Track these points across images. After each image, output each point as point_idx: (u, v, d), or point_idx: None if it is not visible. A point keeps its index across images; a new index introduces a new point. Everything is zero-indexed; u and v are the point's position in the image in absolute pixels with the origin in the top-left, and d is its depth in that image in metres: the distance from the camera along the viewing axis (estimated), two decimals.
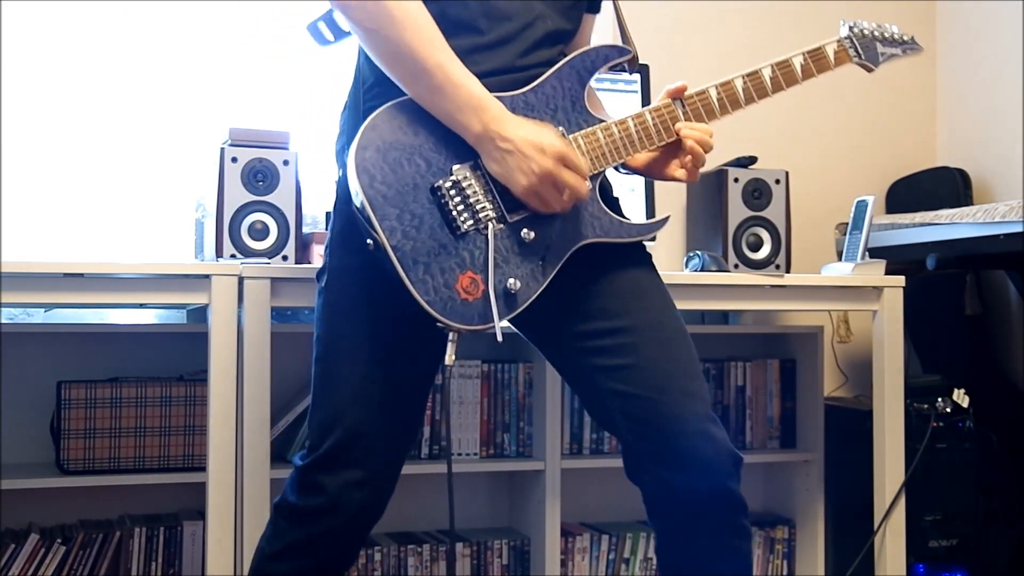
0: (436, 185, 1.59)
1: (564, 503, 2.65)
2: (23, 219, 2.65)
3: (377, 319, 1.66)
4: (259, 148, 2.35)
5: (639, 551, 2.83)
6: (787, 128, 3.26)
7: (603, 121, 1.69)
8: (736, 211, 2.75)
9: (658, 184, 2.86)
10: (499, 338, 1.58)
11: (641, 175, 1.82)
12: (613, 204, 1.74)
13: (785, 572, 2.98)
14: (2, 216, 2.60)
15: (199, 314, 2.62)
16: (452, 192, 1.60)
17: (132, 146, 2.76)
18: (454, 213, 1.59)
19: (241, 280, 2.18)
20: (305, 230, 2.44)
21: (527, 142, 1.57)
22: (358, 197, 1.56)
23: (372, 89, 1.68)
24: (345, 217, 1.68)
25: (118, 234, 2.73)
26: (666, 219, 1.75)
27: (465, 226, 1.59)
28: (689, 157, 1.72)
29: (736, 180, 2.76)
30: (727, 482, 1.61)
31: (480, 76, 1.61)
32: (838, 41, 1.84)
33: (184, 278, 2.18)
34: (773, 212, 2.77)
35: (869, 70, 1.89)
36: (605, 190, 1.73)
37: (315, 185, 2.62)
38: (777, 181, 2.79)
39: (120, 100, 2.75)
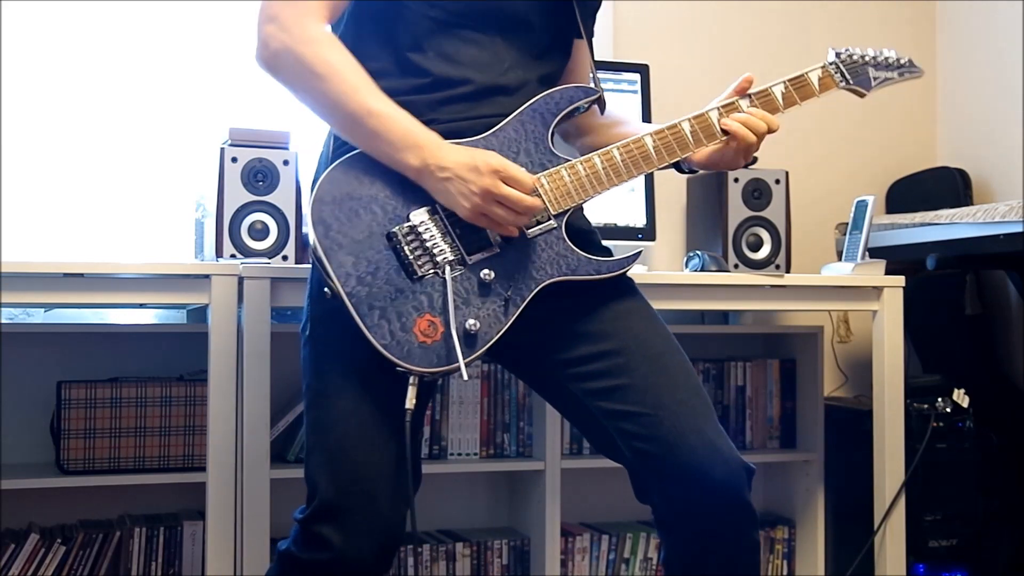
0: (392, 232, 1.60)
1: (564, 503, 2.65)
2: (23, 219, 2.65)
3: (361, 362, 1.63)
4: (259, 148, 2.35)
5: (639, 551, 2.83)
6: (787, 128, 3.23)
7: (568, 160, 1.68)
8: (736, 211, 2.75)
9: (658, 185, 2.86)
10: (464, 378, 1.57)
11: (710, 169, 1.80)
12: (586, 239, 1.72)
13: (785, 572, 2.98)
14: (2, 216, 2.60)
15: (199, 314, 2.62)
16: (409, 238, 1.60)
17: (132, 146, 2.76)
18: (411, 258, 1.60)
19: (241, 280, 2.18)
20: (305, 230, 2.44)
21: (462, 165, 1.58)
22: (315, 250, 1.58)
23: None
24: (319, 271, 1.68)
25: (118, 234, 2.73)
26: (637, 254, 1.71)
27: (422, 271, 1.60)
28: (734, 142, 1.72)
29: (736, 180, 2.76)
30: (740, 495, 1.59)
31: (446, 122, 1.63)
32: (823, 67, 1.82)
33: (184, 278, 2.18)
34: (773, 212, 2.77)
35: (860, 95, 1.86)
36: (577, 228, 1.71)
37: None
38: (777, 181, 2.79)
39: (120, 100, 2.75)
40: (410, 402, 1.57)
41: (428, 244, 1.61)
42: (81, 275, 2.11)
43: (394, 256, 1.60)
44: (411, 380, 1.58)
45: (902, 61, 1.89)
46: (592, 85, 1.77)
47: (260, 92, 2.82)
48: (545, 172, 1.67)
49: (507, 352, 1.70)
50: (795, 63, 1.89)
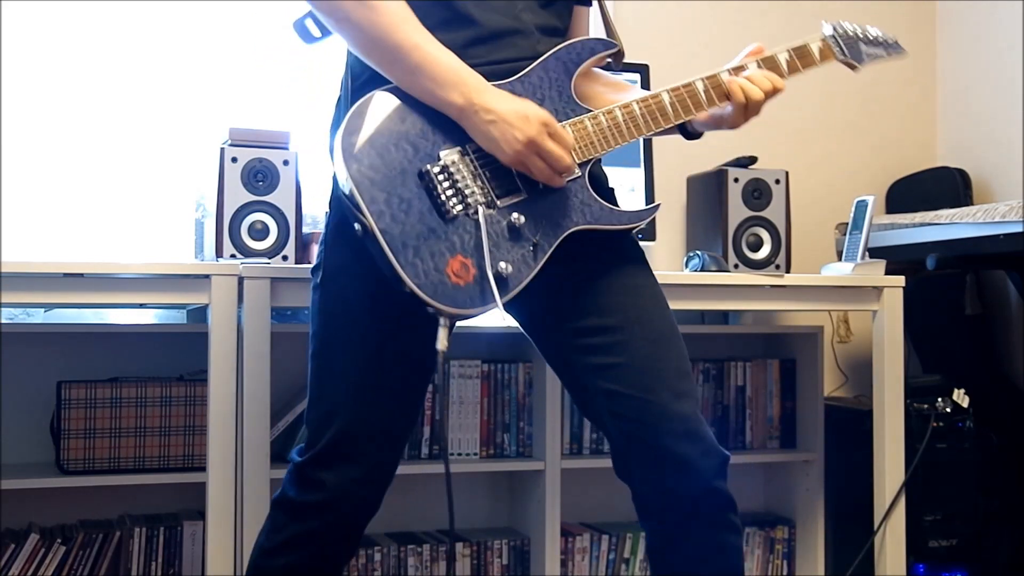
0: (424, 170, 1.59)
1: (564, 503, 2.65)
2: (23, 219, 2.65)
3: (372, 314, 1.66)
4: (259, 148, 2.36)
5: (639, 551, 2.83)
6: (787, 128, 3.26)
7: (591, 111, 1.69)
8: (736, 211, 2.75)
9: (658, 184, 2.86)
10: (502, 316, 1.57)
11: (714, 128, 1.80)
12: (607, 193, 1.74)
13: (785, 572, 2.98)
14: (2, 216, 2.60)
15: (199, 314, 2.62)
16: (440, 177, 1.59)
17: (132, 146, 2.75)
18: (443, 198, 1.58)
19: (241, 280, 2.18)
20: (305, 230, 2.44)
21: (511, 111, 1.58)
22: (346, 183, 1.56)
23: (362, 83, 1.68)
24: (340, 211, 1.68)
25: (118, 234, 2.73)
26: (656, 206, 1.74)
27: (455, 211, 1.59)
28: (739, 99, 1.72)
29: (736, 180, 2.76)
30: (714, 482, 1.61)
31: (475, 65, 1.62)
32: (822, 39, 1.85)
33: (184, 278, 2.18)
34: (773, 212, 2.78)
35: (854, 68, 1.89)
36: (598, 179, 1.73)
37: (315, 185, 2.62)
38: (777, 181, 2.79)
39: (120, 100, 2.75)
40: (442, 343, 1.56)
41: (460, 185, 1.60)
42: (81, 275, 2.11)
43: (426, 195, 1.58)
44: (442, 322, 1.56)
45: (888, 40, 1.92)
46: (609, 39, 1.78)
47: (260, 92, 2.82)
48: (569, 121, 1.67)
49: (523, 311, 1.71)
50: None
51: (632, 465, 1.64)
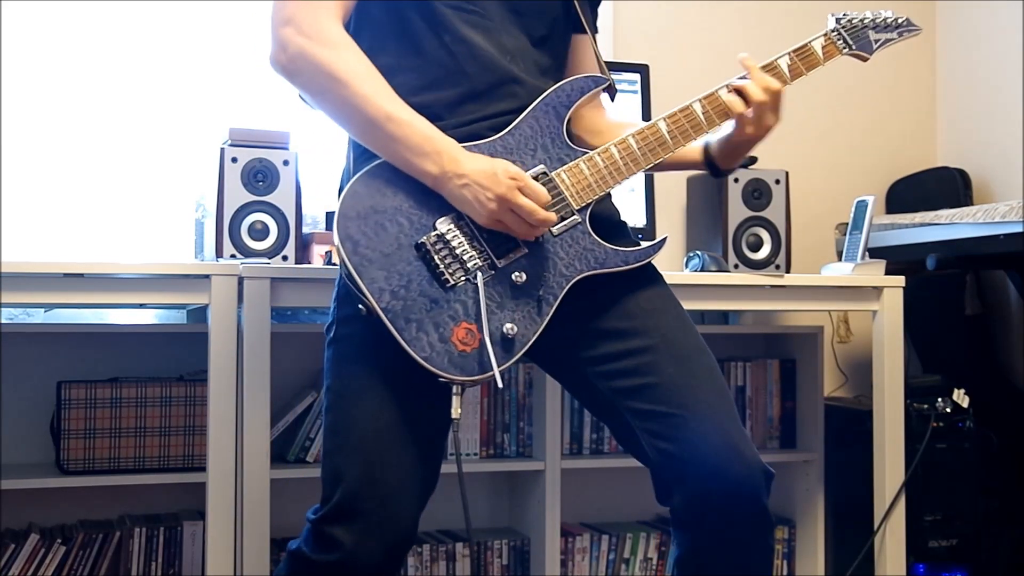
0: (420, 242, 1.59)
1: (564, 503, 2.65)
2: (23, 219, 2.65)
3: (387, 367, 1.63)
4: (259, 148, 2.35)
5: (639, 551, 2.83)
6: (787, 128, 3.23)
7: (587, 151, 1.68)
8: (736, 211, 2.75)
9: (658, 185, 2.86)
10: (499, 384, 1.58)
11: (738, 148, 1.78)
12: (616, 229, 1.72)
13: (785, 572, 2.98)
14: (2, 216, 2.60)
15: (199, 314, 2.62)
16: (438, 246, 1.59)
17: (132, 146, 2.76)
18: (441, 267, 1.59)
19: (241, 280, 2.18)
20: (305, 230, 2.44)
21: (480, 172, 1.58)
22: (344, 267, 1.57)
23: (361, 152, 1.68)
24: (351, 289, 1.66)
25: (118, 234, 2.73)
26: (663, 241, 1.72)
27: (454, 279, 1.59)
28: (749, 109, 1.70)
29: (736, 180, 2.76)
30: (759, 500, 1.58)
31: (464, 125, 1.63)
32: (825, 35, 1.81)
33: (184, 278, 2.18)
34: (773, 212, 2.78)
35: (863, 59, 1.85)
36: (603, 218, 1.71)
37: (315, 185, 2.62)
38: (777, 181, 2.79)
39: (120, 100, 2.75)
40: (456, 411, 1.58)
41: (457, 251, 1.60)
42: (81, 275, 2.11)
43: (424, 267, 1.59)
44: (455, 390, 1.57)
45: (900, 20, 1.87)
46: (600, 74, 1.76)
47: (260, 92, 2.82)
48: (564, 167, 1.66)
49: (541, 351, 1.69)
50: None
51: (672, 484, 1.61)
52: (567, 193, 1.65)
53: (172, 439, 2.43)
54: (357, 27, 1.70)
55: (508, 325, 1.59)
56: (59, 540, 2.40)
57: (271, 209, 2.35)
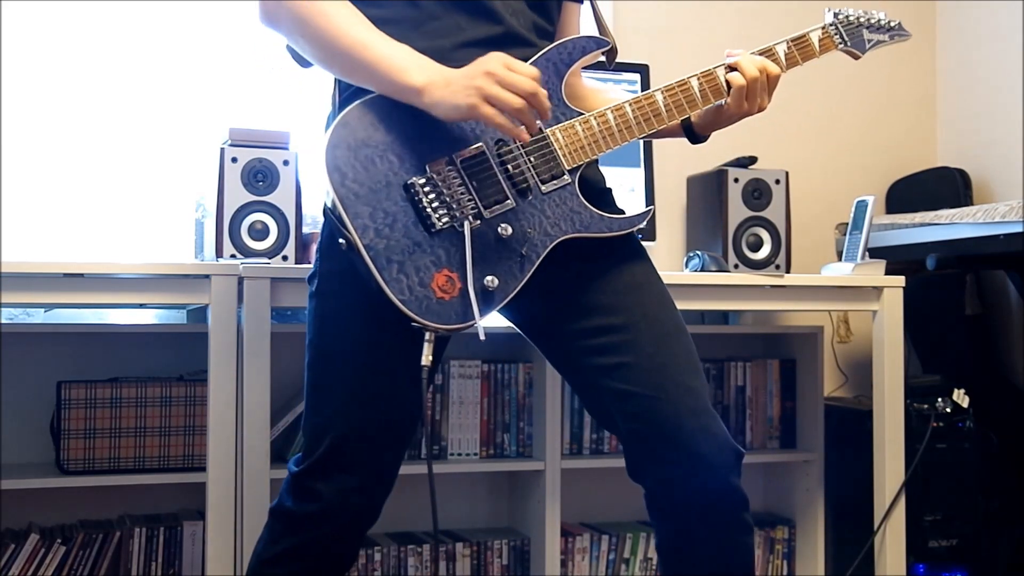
0: (409, 182, 1.58)
1: (564, 503, 2.65)
2: (23, 219, 2.65)
3: (367, 323, 1.64)
4: (259, 148, 2.35)
5: (639, 551, 2.83)
6: (787, 128, 3.26)
7: (582, 113, 1.68)
8: (736, 211, 2.75)
9: (658, 184, 2.86)
10: (481, 336, 1.56)
11: (720, 124, 1.78)
12: (601, 196, 1.72)
13: (785, 572, 2.98)
14: (2, 216, 2.60)
15: (199, 314, 2.62)
16: (427, 189, 1.58)
17: (132, 146, 2.75)
18: (428, 210, 1.57)
19: (241, 280, 2.18)
20: (305, 230, 2.44)
21: (463, 71, 1.55)
22: (329, 196, 1.55)
23: (349, 95, 1.67)
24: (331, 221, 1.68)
25: (118, 234, 2.73)
26: (648, 211, 1.72)
27: (440, 223, 1.57)
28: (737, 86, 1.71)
29: (736, 180, 2.76)
30: (729, 478, 1.60)
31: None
32: (823, 28, 1.84)
33: (184, 278, 2.18)
34: (773, 212, 2.78)
35: (856, 57, 1.88)
36: (591, 183, 1.71)
37: (315, 185, 2.62)
38: (777, 181, 2.79)
39: (120, 100, 2.75)
40: (426, 359, 1.56)
41: (446, 196, 1.58)
42: (81, 275, 2.11)
43: (411, 207, 1.57)
44: (427, 337, 1.56)
45: (892, 24, 1.91)
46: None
47: (260, 92, 2.82)
48: (559, 125, 1.65)
49: (521, 315, 1.70)
50: None
51: (645, 464, 1.63)
52: (560, 152, 1.65)
53: (172, 439, 2.43)
54: None
55: (489, 277, 1.58)
56: (59, 540, 2.40)
57: (271, 209, 2.35)
